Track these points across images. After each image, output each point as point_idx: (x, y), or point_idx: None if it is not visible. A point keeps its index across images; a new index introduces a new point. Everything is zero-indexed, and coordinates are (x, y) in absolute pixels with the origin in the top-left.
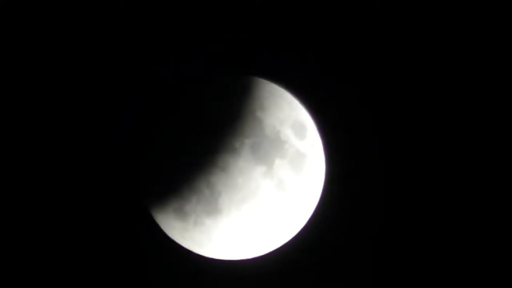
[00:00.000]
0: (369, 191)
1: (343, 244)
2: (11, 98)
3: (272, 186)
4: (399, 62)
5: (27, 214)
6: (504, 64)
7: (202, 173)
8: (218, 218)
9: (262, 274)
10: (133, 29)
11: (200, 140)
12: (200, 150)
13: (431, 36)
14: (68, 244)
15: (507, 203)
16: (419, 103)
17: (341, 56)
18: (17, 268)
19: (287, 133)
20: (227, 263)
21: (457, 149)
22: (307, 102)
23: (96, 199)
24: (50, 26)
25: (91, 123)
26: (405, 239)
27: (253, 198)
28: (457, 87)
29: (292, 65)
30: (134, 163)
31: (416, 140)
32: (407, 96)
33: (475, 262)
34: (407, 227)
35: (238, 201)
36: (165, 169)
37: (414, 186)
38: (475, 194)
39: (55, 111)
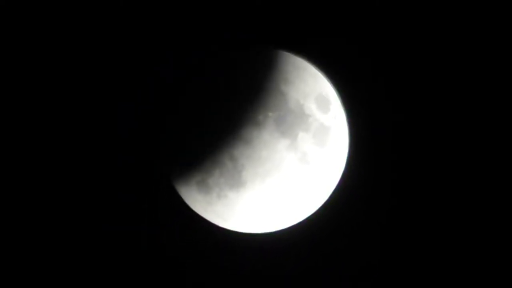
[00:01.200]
0: (392, 165)
1: (366, 217)
2: (11, 98)
3: (296, 159)
4: (424, 36)
5: (27, 214)
6: None
7: (225, 146)
8: (241, 191)
9: (284, 247)
10: (133, 29)
11: (224, 113)
12: (224, 123)
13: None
14: (68, 244)
15: None
16: (445, 77)
17: (359, 35)
18: (18, 268)
19: (311, 107)
20: (249, 236)
21: (485, 128)
22: (331, 75)
23: (96, 199)
24: (50, 26)
25: (91, 123)
26: (429, 215)
27: (276, 172)
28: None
29: (314, 40)
30: (134, 163)
31: (443, 113)
32: (432, 70)
33: (491, 245)
34: (431, 202)
35: (262, 174)
36: (188, 142)
37: (439, 161)
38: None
39: (55, 111)
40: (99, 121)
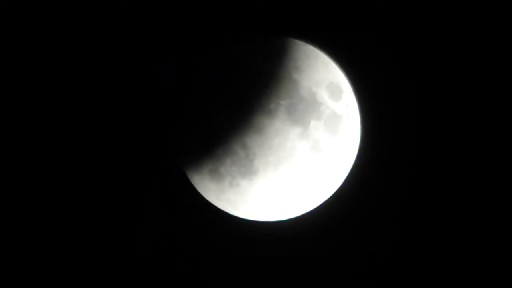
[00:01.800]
0: (404, 153)
1: (378, 206)
2: (11, 98)
3: (308, 147)
4: (437, 25)
5: (27, 214)
6: None
7: (237, 134)
8: (253, 179)
9: (296, 235)
10: (133, 29)
11: (235, 101)
12: (235, 111)
13: None
14: (69, 244)
15: None
16: (458, 68)
17: (371, 23)
18: (18, 268)
19: (323, 95)
20: (261, 225)
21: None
22: (343, 64)
23: (96, 199)
24: (50, 26)
25: (91, 123)
26: (441, 205)
27: (288, 160)
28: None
29: (325, 28)
30: (134, 163)
31: (456, 104)
32: (446, 60)
33: (498, 239)
34: (443, 192)
35: (273, 162)
36: (200, 130)
37: (451, 150)
38: None
39: (55, 111)
40: (99, 121)
